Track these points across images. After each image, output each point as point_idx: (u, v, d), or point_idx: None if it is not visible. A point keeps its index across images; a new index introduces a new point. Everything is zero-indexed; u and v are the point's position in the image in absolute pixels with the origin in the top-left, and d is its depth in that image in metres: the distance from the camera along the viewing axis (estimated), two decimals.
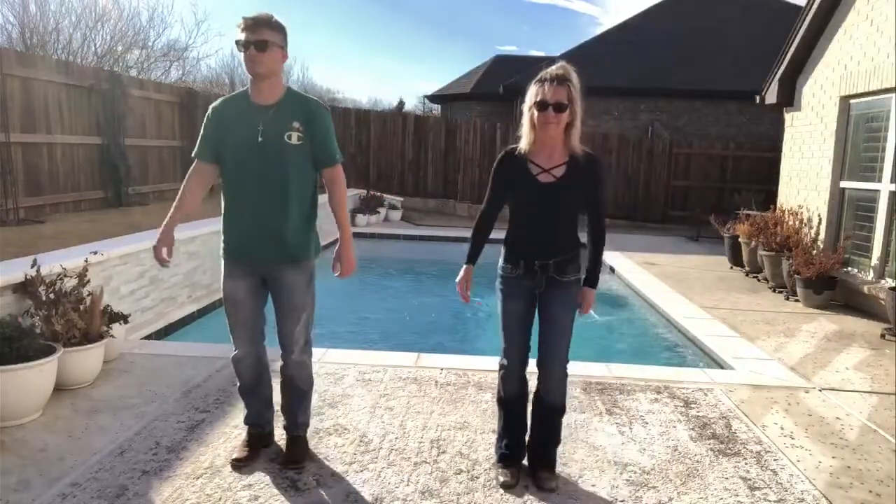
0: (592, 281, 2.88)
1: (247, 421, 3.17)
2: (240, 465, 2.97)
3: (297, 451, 3.09)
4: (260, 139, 2.80)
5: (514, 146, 2.85)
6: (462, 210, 15.05)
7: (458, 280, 2.97)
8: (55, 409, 3.55)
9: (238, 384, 3.14)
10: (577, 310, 2.88)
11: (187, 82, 21.10)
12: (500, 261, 2.93)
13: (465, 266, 2.98)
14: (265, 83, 2.82)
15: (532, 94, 2.74)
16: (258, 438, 3.14)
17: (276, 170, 2.81)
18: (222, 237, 2.97)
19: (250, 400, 3.14)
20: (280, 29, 2.80)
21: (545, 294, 2.85)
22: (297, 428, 3.15)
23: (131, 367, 4.28)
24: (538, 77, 2.74)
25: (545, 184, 2.77)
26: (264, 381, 3.15)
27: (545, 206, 2.80)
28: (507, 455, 3.00)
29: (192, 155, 2.98)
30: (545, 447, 3.01)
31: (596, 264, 2.89)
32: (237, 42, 2.76)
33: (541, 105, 2.69)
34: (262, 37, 2.72)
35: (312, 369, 3.16)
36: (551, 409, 2.96)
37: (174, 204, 2.98)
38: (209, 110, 2.93)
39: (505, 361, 2.94)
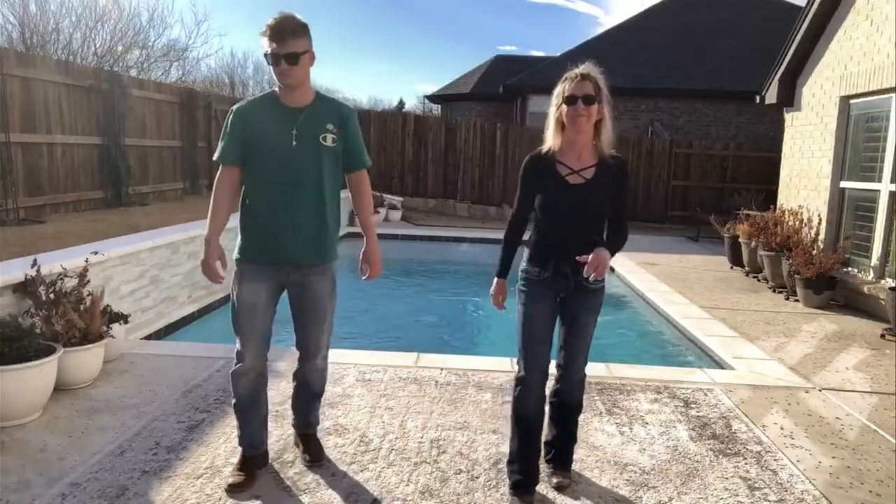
0: (610, 247, 2.63)
1: (241, 443, 2.94)
2: (238, 490, 2.76)
3: (316, 448, 3.08)
4: (294, 143, 2.74)
5: (541, 148, 2.78)
6: (462, 210, 15.04)
7: (491, 293, 2.87)
8: (55, 409, 3.55)
9: (234, 401, 2.91)
10: (590, 275, 2.55)
11: (187, 82, 21.12)
12: (524, 263, 2.81)
13: (496, 280, 2.86)
14: (298, 90, 2.76)
15: (558, 92, 2.69)
16: (252, 461, 2.92)
17: (310, 172, 2.76)
18: (240, 240, 2.86)
19: (247, 418, 2.91)
20: (306, 32, 2.67)
21: (569, 298, 2.77)
22: (308, 426, 3.14)
23: (131, 367, 4.28)
24: (563, 78, 2.70)
25: (574, 185, 2.69)
26: (262, 399, 2.95)
27: (575, 208, 2.70)
28: (522, 482, 2.78)
29: (216, 159, 2.82)
30: (566, 448, 3.00)
31: (615, 244, 2.71)
32: (266, 55, 2.65)
33: (570, 99, 2.62)
34: (292, 49, 2.62)
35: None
36: (572, 410, 2.96)
37: (208, 218, 2.86)
38: (233, 113, 2.80)
39: (524, 374, 2.75)
